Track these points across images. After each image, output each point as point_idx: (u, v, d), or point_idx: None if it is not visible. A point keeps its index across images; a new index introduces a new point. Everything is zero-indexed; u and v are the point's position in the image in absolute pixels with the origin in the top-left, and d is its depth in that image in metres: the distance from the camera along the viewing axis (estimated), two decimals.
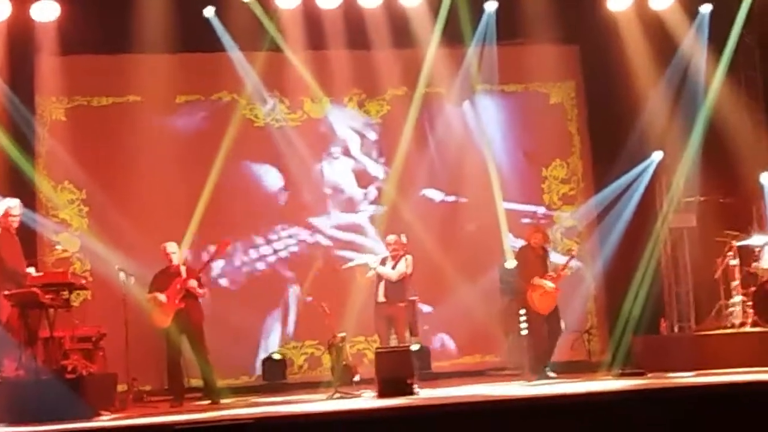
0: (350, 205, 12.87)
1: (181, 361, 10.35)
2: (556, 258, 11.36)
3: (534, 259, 10.68)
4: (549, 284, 10.48)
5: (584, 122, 13.30)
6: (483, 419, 7.86)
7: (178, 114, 12.64)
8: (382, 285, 10.52)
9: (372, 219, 12.76)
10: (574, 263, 10.95)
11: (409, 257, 10.50)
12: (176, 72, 12.31)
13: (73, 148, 12.15)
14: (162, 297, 10.20)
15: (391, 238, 10.66)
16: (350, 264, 10.73)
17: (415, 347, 10.27)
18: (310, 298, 11.10)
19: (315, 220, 12.74)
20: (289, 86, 12.77)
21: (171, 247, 10.47)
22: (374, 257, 10.73)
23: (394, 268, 10.53)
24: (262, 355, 12.34)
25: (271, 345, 12.48)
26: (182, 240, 11.38)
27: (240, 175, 12.62)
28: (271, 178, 12.78)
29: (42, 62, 12.05)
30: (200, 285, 10.33)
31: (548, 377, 10.42)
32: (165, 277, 10.36)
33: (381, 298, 10.52)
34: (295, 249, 12.67)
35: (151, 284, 10.41)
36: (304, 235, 12.73)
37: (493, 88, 12.97)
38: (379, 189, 12.85)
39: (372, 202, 12.86)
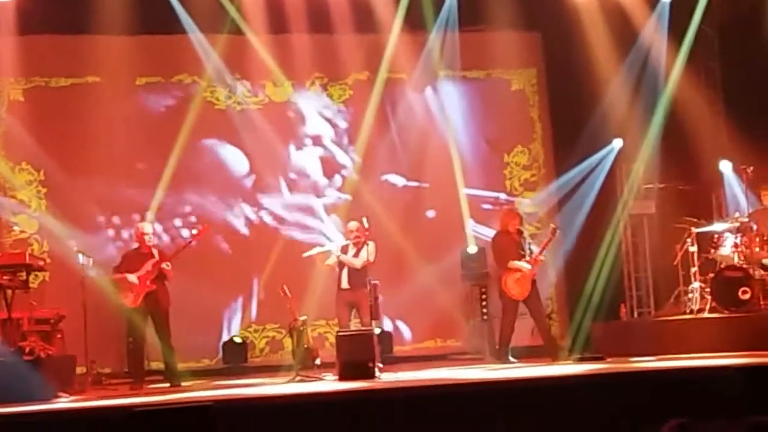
0: (314, 191, 12.81)
1: (143, 344, 10.27)
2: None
3: (510, 243, 10.74)
4: (525, 266, 10.54)
5: (546, 109, 13.36)
6: (444, 402, 7.89)
7: (138, 96, 12.50)
8: (345, 272, 10.46)
9: (333, 206, 12.71)
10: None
11: (371, 244, 10.47)
12: (136, 54, 12.22)
13: (31, 128, 11.99)
14: (133, 277, 10.11)
15: (353, 224, 10.58)
16: (311, 252, 10.67)
17: (376, 331, 10.24)
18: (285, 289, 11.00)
19: (272, 202, 12.65)
20: (250, 69, 12.68)
21: (146, 227, 10.40)
22: (335, 245, 10.66)
23: (356, 255, 10.50)
24: (223, 339, 12.27)
25: (233, 328, 12.41)
26: (143, 221, 11.29)
27: (201, 157, 12.51)
28: (233, 159, 12.69)
29: (0, 42, 11.88)
30: (170, 269, 10.24)
31: (509, 362, 10.47)
32: (136, 258, 10.27)
33: (345, 285, 10.48)
34: (255, 230, 12.60)
35: (120, 264, 10.31)
36: (267, 218, 12.67)
37: (455, 74, 13.00)
38: (343, 177, 12.81)
39: (337, 189, 12.81)
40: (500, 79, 13.37)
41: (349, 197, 12.49)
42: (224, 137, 12.70)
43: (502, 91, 13.32)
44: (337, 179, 12.84)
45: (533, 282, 10.68)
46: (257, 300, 12.44)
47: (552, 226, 11.07)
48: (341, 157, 12.89)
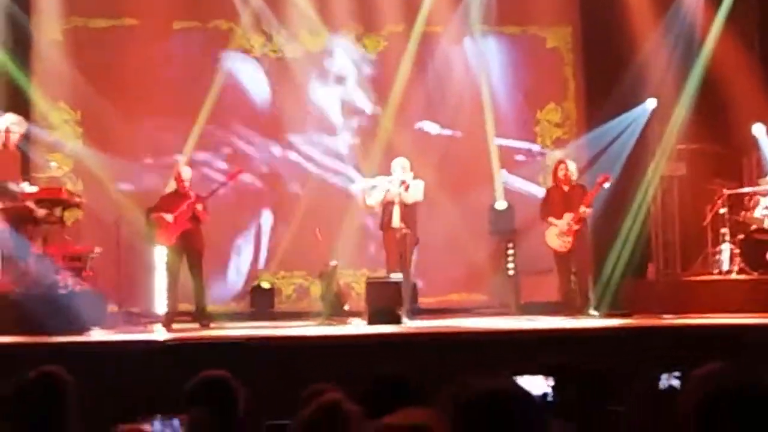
0: (330, 131, 12.81)
1: (176, 283, 10.38)
2: None
3: (557, 197, 10.79)
4: (561, 223, 10.59)
5: (580, 67, 13.28)
6: (469, 348, 8.00)
7: (175, 39, 12.52)
8: (396, 209, 10.38)
9: (353, 147, 12.72)
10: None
11: (421, 182, 10.51)
12: None
13: (70, 68, 12.06)
14: (169, 217, 10.19)
15: (403, 162, 10.60)
16: (358, 185, 10.59)
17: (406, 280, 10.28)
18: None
19: (303, 144, 12.67)
20: (286, 17, 12.69)
21: (185, 172, 10.47)
22: (391, 179, 10.55)
23: (407, 191, 10.52)
24: (251, 284, 12.36)
25: (261, 273, 12.49)
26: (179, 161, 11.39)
27: (233, 100, 12.53)
28: (264, 102, 12.70)
29: None
30: (205, 211, 10.34)
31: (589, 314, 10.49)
32: (173, 199, 10.37)
33: (397, 223, 10.40)
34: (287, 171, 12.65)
35: (158, 204, 10.42)
36: (298, 159, 12.68)
37: (491, 28, 12.93)
38: (360, 125, 12.79)
39: (355, 133, 12.79)
40: (536, 35, 13.28)
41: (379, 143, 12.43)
42: (258, 82, 12.69)
43: (538, 47, 13.26)
44: (368, 125, 12.80)
45: (578, 236, 10.67)
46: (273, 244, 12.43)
47: (602, 175, 10.91)
48: (362, 102, 12.83)
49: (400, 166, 10.55)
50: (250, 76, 12.72)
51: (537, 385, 4.41)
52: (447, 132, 12.86)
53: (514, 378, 4.65)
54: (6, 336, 8.31)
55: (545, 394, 4.20)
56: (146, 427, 3.74)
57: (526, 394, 2.74)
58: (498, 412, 2.64)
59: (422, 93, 12.75)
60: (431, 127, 12.87)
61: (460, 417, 2.64)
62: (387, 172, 10.67)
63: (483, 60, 12.88)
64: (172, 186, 10.68)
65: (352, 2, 12.65)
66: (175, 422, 3.96)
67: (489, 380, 3.34)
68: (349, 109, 12.83)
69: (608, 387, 4.28)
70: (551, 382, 4.20)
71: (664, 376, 5.05)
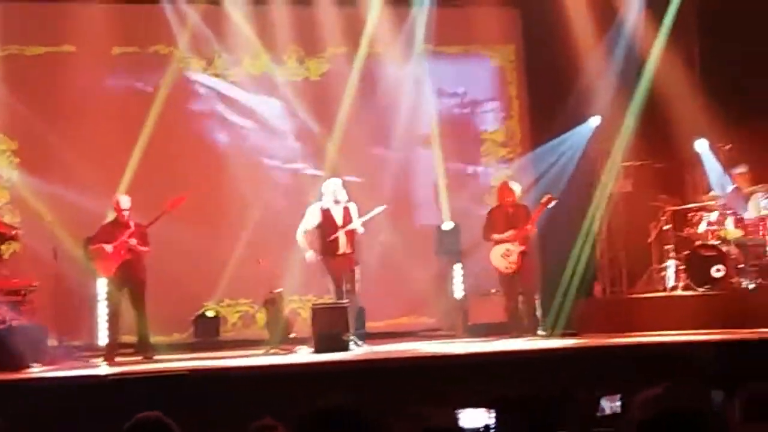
0: (275, 154, 12.70)
1: (118, 315, 10.18)
2: None
3: (500, 217, 10.75)
4: (505, 237, 10.54)
5: (524, 86, 13.31)
6: (416, 374, 7.92)
7: (114, 66, 12.34)
8: (343, 235, 10.23)
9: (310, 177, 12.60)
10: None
11: (354, 205, 10.42)
12: (113, 22, 12.05)
13: (6, 97, 11.82)
14: (108, 247, 10.02)
15: (335, 183, 10.45)
16: (369, 216, 10.41)
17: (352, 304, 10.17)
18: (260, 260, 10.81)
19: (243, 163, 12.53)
20: (227, 41, 12.58)
21: (123, 200, 10.29)
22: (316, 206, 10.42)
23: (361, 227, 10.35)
24: (194, 312, 12.16)
25: (205, 302, 12.30)
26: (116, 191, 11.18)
27: (176, 128, 12.36)
28: (208, 128, 12.56)
29: None
30: (145, 242, 10.15)
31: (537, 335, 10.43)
32: (112, 229, 10.20)
33: (346, 249, 10.23)
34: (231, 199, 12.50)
35: (97, 235, 10.21)
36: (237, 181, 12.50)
37: (434, 48, 12.90)
38: (305, 148, 12.70)
39: (300, 156, 12.67)
40: (479, 54, 13.31)
41: (320, 172, 12.29)
42: (200, 108, 12.55)
43: (481, 67, 13.25)
44: (313, 149, 12.69)
45: (523, 256, 10.62)
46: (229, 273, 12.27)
47: (546, 196, 10.91)
48: (311, 125, 12.73)
49: (333, 187, 10.40)
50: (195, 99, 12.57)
51: (480, 417, 4.35)
52: (392, 153, 12.76)
53: (457, 411, 4.61)
54: None
55: (487, 427, 4.13)
56: None
57: None
58: None
59: (367, 115, 12.64)
60: (377, 151, 12.76)
61: None
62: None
63: (427, 80, 12.83)
64: (111, 216, 10.47)
65: (293, 25, 12.56)
66: None
67: (428, 419, 3.26)
68: (293, 133, 12.71)
69: (552, 414, 4.22)
70: (493, 414, 4.13)
71: (604, 401, 5.03)
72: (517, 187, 11.03)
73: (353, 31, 12.60)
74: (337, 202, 10.29)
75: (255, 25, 12.43)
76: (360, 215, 10.34)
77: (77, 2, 11.58)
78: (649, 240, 11.44)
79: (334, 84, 12.69)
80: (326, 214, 10.28)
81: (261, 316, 11.81)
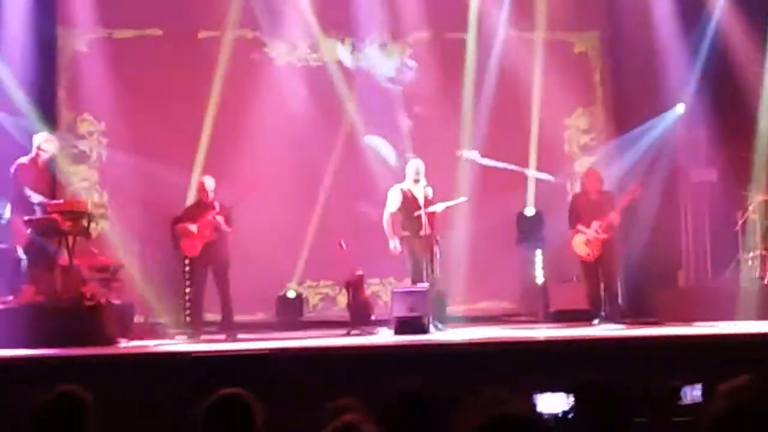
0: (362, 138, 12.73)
1: (202, 294, 10.38)
2: None
3: (585, 205, 10.63)
4: (590, 231, 10.46)
5: (608, 73, 13.16)
6: (494, 360, 7.91)
7: (200, 49, 12.50)
8: (424, 216, 10.14)
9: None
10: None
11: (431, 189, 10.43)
12: (199, 7, 12.26)
13: (94, 80, 12.09)
14: (193, 227, 10.22)
15: (417, 165, 10.41)
16: (453, 202, 10.49)
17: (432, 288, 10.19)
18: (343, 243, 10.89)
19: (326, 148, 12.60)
20: (309, 26, 12.69)
21: (209, 182, 10.47)
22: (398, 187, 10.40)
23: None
24: (278, 293, 12.32)
25: (288, 283, 12.45)
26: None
27: (260, 110, 12.48)
28: (294, 117, 12.64)
29: None
30: (229, 222, 10.32)
31: (621, 321, 10.28)
32: (197, 209, 10.39)
33: (427, 230, 10.17)
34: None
35: (183, 215, 10.42)
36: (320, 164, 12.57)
37: (518, 34, 12.83)
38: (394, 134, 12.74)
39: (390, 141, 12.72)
40: (563, 41, 13.19)
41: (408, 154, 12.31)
42: (281, 92, 12.65)
43: (565, 52, 13.14)
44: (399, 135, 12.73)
45: (606, 244, 10.51)
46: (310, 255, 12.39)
47: (633, 185, 10.76)
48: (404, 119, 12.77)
49: (415, 168, 10.39)
50: (277, 84, 12.67)
51: (557, 402, 4.35)
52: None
53: (535, 395, 4.62)
54: (31, 348, 8.33)
55: (565, 413, 4.13)
56: None
57: (538, 422, 2.66)
58: None
59: (451, 99, 12.62)
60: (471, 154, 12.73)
61: None
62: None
63: (511, 65, 12.75)
64: (196, 196, 10.66)
65: (375, 10, 12.60)
66: None
67: (504, 403, 3.28)
68: (379, 118, 12.75)
69: (630, 402, 4.20)
70: (572, 399, 4.13)
71: (686, 389, 4.98)
72: (601, 174, 10.93)
73: (436, 15, 12.63)
74: (416, 182, 10.31)
75: (336, 9, 12.51)
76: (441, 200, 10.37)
77: None
78: (736, 229, 11.28)
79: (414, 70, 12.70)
80: (407, 194, 10.31)
81: (342, 298, 11.94)
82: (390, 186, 10.57)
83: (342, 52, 12.84)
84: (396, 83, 12.88)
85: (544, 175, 12.54)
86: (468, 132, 12.65)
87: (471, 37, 12.63)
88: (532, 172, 12.58)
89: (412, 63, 12.80)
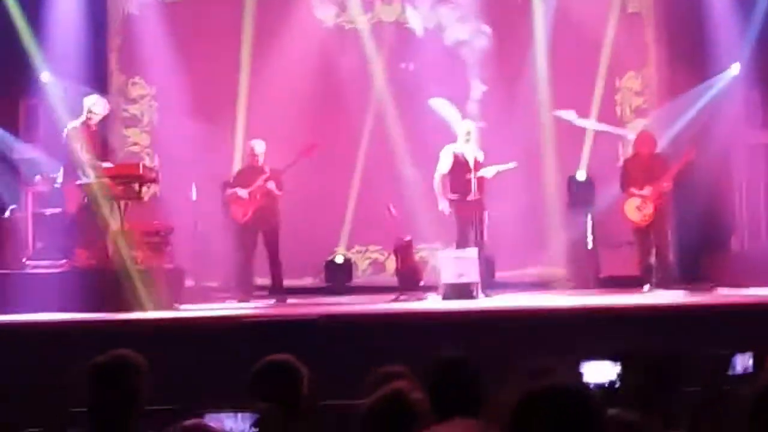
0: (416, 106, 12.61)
1: (251, 258, 10.43)
2: None
3: (638, 168, 10.49)
4: (643, 192, 10.34)
5: (662, 33, 12.92)
6: (542, 328, 7.87)
7: (248, 11, 12.44)
8: (474, 179, 10.11)
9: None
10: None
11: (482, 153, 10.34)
12: None
13: (144, 44, 12.14)
14: (243, 192, 10.27)
15: (469, 126, 10.33)
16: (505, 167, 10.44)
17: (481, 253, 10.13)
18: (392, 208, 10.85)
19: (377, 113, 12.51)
20: None
21: (258, 146, 10.47)
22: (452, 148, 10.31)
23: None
24: (326, 258, 12.35)
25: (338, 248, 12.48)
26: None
27: (309, 72, 12.44)
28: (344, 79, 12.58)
29: None
30: (280, 187, 10.34)
31: (672, 287, 10.17)
32: (248, 174, 10.43)
33: (476, 195, 10.12)
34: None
35: (233, 180, 10.47)
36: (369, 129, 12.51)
37: None
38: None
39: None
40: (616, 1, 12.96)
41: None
42: (335, 54, 12.60)
43: (617, 12, 12.89)
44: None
45: (659, 209, 10.39)
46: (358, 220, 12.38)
47: (688, 149, 10.61)
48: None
49: (466, 128, 10.31)
50: (326, 47, 12.61)
51: (604, 371, 4.31)
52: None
53: (582, 364, 4.58)
54: (84, 312, 8.43)
55: (612, 382, 4.10)
56: (211, 422, 3.71)
57: (584, 393, 2.61)
58: (553, 414, 2.53)
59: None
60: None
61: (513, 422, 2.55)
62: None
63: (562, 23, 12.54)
64: (246, 160, 10.68)
65: None
66: (240, 417, 3.93)
67: (550, 373, 3.25)
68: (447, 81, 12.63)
69: (678, 371, 4.15)
70: (618, 368, 4.10)
71: (737, 358, 4.90)
72: (654, 137, 10.77)
73: None
74: (467, 142, 10.22)
75: None
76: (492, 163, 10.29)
77: None
78: None
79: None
80: (458, 156, 10.23)
81: (391, 263, 11.94)
82: None
83: (411, 13, 12.71)
84: (469, 48, 12.69)
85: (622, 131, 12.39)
86: (546, 92, 12.47)
87: None
88: (618, 130, 12.40)
89: (486, 28, 12.61)
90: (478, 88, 12.53)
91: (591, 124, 12.47)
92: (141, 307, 8.73)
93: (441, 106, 12.31)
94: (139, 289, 8.91)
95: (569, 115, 12.48)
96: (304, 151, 10.48)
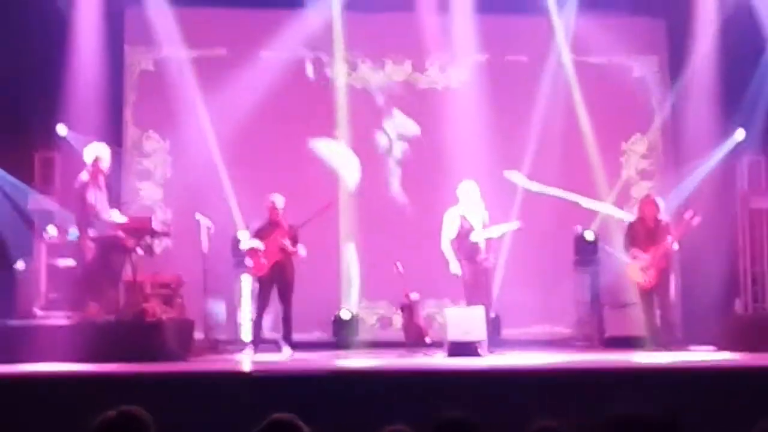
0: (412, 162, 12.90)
1: (263, 312, 10.52)
2: None
3: (642, 231, 10.63)
4: (644, 256, 10.47)
5: (667, 98, 13.13)
6: (547, 384, 7.93)
7: (261, 69, 12.67)
8: (482, 242, 10.35)
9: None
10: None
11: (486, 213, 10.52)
12: (261, 27, 12.50)
13: (160, 98, 12.35)
14: (262, 247, 10.39)
15: (469, 186, 10.48)
16: (507, 228, 10.62)
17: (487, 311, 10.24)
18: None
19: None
20: (372, 47, 12.87)
21: (279, 201, 10.57)
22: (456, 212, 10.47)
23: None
24: (334, 313, 12.44)
25: (345, 304, 12.59)
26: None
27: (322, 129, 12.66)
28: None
29: (132, 13, 12.34)
30: (294, 242, 10.45)
31: (672, 349, 10.24)
32: (266, 229, 10.52)
33: (483, 254, 10.34)
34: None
35: (254, 233, 10.58)
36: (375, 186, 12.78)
37: (577, 58, 12.87)
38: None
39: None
40: (621, 65, 13.21)
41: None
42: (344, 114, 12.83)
43: (623, 77, 13.14)
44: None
45: (662, 271, 10.53)
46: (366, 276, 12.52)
47: (690, 213, 10.72)
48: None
49: (467, 190, 10.46)
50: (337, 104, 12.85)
51: None
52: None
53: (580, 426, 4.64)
54: (94, 363, 8.51)
55: None
56: None
57: None
58: None
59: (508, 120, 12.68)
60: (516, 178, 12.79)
61: None
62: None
63: (569, 89, 12.79)
64: (266, 215, 10.72)
65: (435, 32, 12.71)
66: None
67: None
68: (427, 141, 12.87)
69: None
70: None
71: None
72: (660, 202, 10.90)
73: (494, 39, 12.74)
74: (471, 205, 10.39)
75: (400, 31, 12.67)
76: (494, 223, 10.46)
77: (228, 8, 12.04)
78: None
79: (473, 92, 12.80)
80: (463, 218, 10.40)
81: (398, 319, 12.03)
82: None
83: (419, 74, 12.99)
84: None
85: (597, 205, 12.54)
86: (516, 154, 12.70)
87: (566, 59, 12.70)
88: (584, 201, 12.56)
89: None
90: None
91: (542, 188, 12.62)
92: (150, 359, 8.80)
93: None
94: (150, 341, 9.00)
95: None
96: (322, 209, 10.57)
